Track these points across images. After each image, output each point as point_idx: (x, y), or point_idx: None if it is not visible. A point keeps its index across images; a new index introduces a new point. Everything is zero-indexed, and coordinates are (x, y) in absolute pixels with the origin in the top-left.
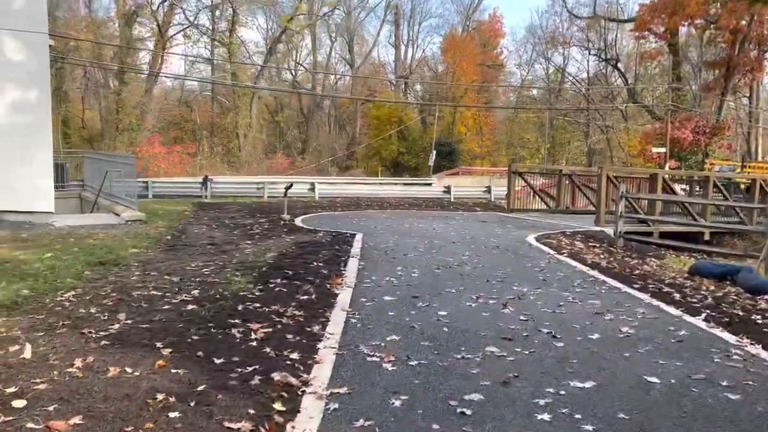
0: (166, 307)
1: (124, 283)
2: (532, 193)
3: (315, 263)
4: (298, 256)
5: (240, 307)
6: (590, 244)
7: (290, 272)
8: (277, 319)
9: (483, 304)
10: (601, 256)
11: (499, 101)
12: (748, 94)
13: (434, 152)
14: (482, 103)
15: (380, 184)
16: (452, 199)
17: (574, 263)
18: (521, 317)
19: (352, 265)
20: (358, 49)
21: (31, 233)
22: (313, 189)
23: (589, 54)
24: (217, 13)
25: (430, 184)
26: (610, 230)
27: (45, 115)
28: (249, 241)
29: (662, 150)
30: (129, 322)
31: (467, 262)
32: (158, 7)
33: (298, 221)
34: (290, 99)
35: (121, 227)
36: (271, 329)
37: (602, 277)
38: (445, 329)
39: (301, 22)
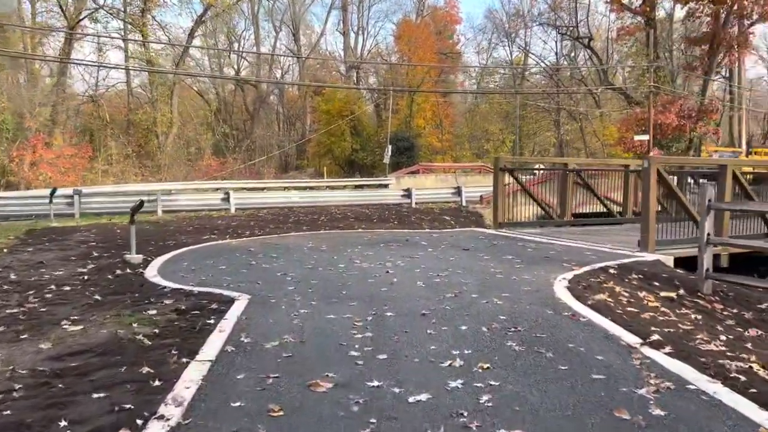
0: None
1: None
2: (525, 198)
3: None
4: None
5: None
6: (665, 294)
7: None
8: None
9: None
10: (723, 337)
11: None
12: (727, 74)
13: (390, 147)
14: (440, 95)
15: (326, 187)
16: (414, 205)
17: (710, 386)
18: None
19: None
20: (306, 40)
21: None
22: (227, 199)
23: (558, 33)
24: None
25: (386, 186)
26: (664, 258)
27: None
28: None
29: (645, 137)
30: None
31: (463, 396)
32: None
33: (156, 264)
34: (234, 95)
35: None
36: None
37: None
38: None
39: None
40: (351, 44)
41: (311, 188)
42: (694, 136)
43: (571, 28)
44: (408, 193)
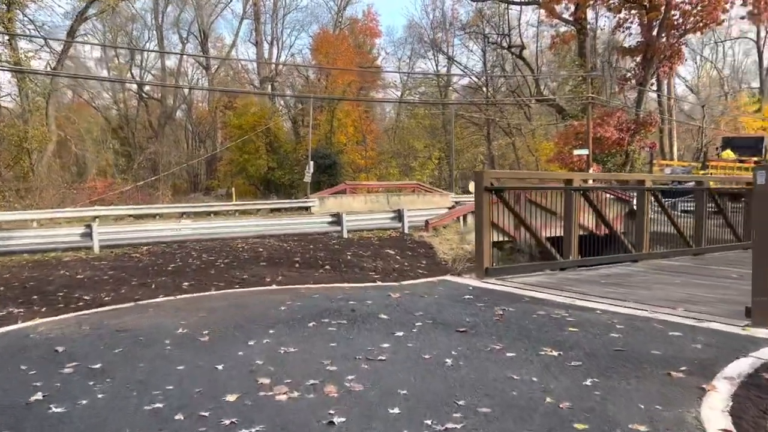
0: None
1: None
2: (519, 228)
3: None
4: None
5: None
6: None
7: None
8: None
9: None
10: None
11: (379, 108)
12: (656, 86)
13: (311, 164)
14: (362, 110)
15: (235, 212)
16: (346, 234)
17: None
18: None
19: None
20: (216, 53)
21: None
22: (89, 234)
23: (488, 43)
24: None
25: (308, 209)
26: None
27: None
28: None
29: (585, 152)
30: None
31: None
32: None
33: None
34: (137, 111)
35: None
36: None
37: None
38: None
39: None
40: (264, 55)
41: (215, 214)
42: (631, 150)
43: (500, 37)
44: (337, 219)
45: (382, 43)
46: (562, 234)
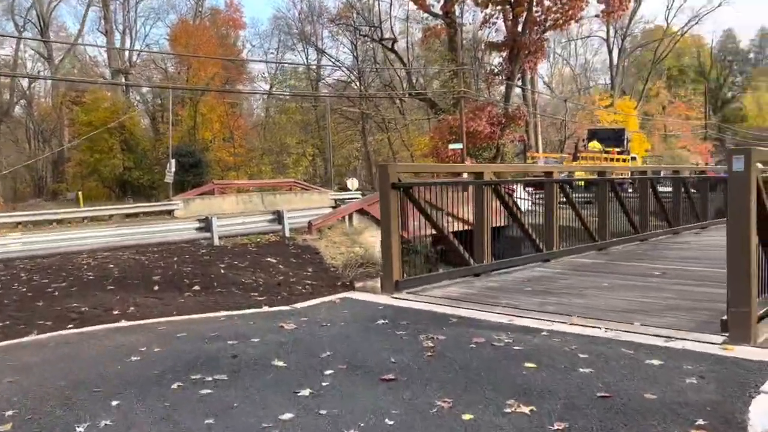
0: None
1: None
2: (426, 230)
3: None
4: None
5: None
6: None
7: None
8: None
9: None
10: None
11: (246, 103)
12: (521, 81)
13: (173, 162)
14: (228, 105)
15: (83, 219)
16: (217, 242)
17: None
18: None
19: None
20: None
21: None
22: None
23: (360, 35)
24: None
25: (171, 212)
26: None
27: None
28: None
29: (459, 146)
30: None
31: None
32: None
33: None
34: None
35: None
36: None
37: None
38: None
39: None
40: (114, 44)
41: (59, 222)
42: (501, 143)
43: (371, 30)
44: (207, 225)
45: (247, 35)
46: (460, 229)
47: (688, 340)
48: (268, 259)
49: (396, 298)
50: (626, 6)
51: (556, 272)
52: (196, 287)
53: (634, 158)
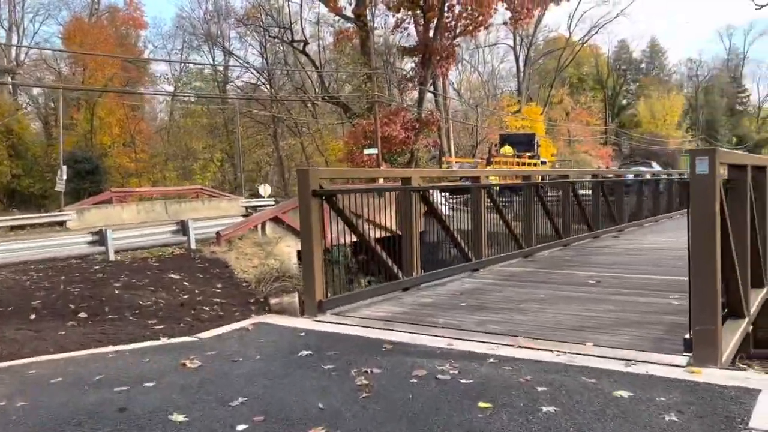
0: None
1: None
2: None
3: None
4: None
5: None
6: None
7: None
8: None
9: None
10: None
11: (148, 106)
12: (433, 87)
13: (64, 168)
14: (129, 108)
15: None
16: (113, 257)
17: None
18: None
19: None
20: None
21: None
22: None
23: (269, 37)
24: None
25: (63, 224)
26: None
27: None
28: None
29: (374, 151)
30: None
31: None
32: None
33: None
34: None
35: None
36: None
37: None
38: None
39: None
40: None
41: None
42: (415, 148)
43: (281, 31)
44: (100, 238)
45: (149, 35)
46: (382, 236)
47: (650, 363)
48: (171, 275)
49: (320, 321)
50: (532, 14)
51: (488, 283)
52: (83, 314)
53: (544, 162)
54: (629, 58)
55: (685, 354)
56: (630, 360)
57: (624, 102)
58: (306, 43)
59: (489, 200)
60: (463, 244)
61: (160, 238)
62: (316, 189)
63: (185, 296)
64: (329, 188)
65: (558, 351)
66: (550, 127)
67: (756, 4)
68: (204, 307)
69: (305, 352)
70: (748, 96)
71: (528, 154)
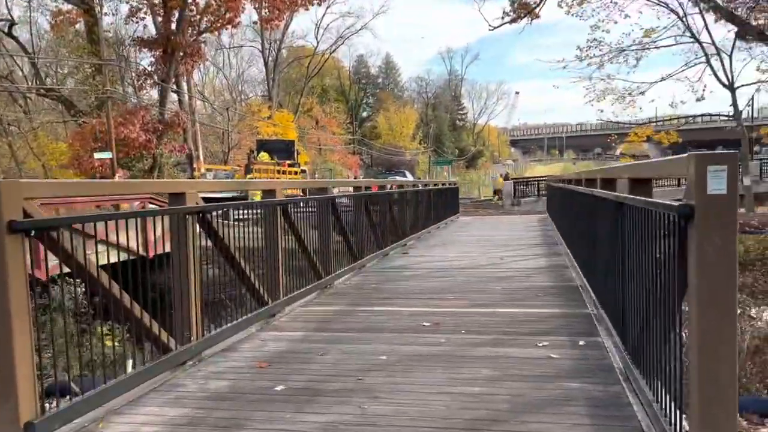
0: None
1: None
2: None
3: None
4: None
5: None
6: None
7: None
8: None
9: None
10: None
11: None
12: (177, 86)
13: None
14: None
15: None
16: None
17: None
18: None
19: None
20: None
21: None
22: None
23: None
24: None
25: None
26: None
27: None
28: None
29: (108, 155)
30: None
31: None
32: None
33: None
34: None
35: None
36: None
37: None
38: None
39: None
40: None
41: None
42: (158, 153)
43: None
44: None
45: None
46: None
47: None
48: None
49: None
50: (283, 16)
51: (297, 341)
52: None
53: (304, 171)
54: (368, 72)
55: None
56: None
57: (365, 114)
58: (12, 23)
59: (285, 221)
60: (255, 282)
61: None
62: (15, 220)
63: None
64: (48, 218)
65: None
66: (301, 135)
67: (490, 26)
68: None
69: None
70: (466, 113)
71: (288, 162)
